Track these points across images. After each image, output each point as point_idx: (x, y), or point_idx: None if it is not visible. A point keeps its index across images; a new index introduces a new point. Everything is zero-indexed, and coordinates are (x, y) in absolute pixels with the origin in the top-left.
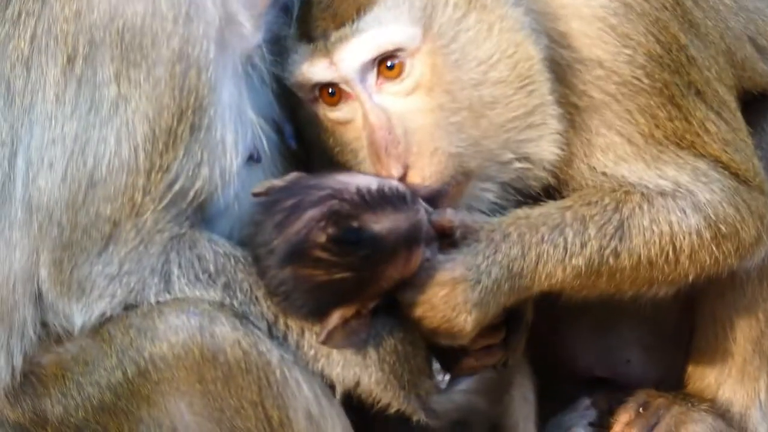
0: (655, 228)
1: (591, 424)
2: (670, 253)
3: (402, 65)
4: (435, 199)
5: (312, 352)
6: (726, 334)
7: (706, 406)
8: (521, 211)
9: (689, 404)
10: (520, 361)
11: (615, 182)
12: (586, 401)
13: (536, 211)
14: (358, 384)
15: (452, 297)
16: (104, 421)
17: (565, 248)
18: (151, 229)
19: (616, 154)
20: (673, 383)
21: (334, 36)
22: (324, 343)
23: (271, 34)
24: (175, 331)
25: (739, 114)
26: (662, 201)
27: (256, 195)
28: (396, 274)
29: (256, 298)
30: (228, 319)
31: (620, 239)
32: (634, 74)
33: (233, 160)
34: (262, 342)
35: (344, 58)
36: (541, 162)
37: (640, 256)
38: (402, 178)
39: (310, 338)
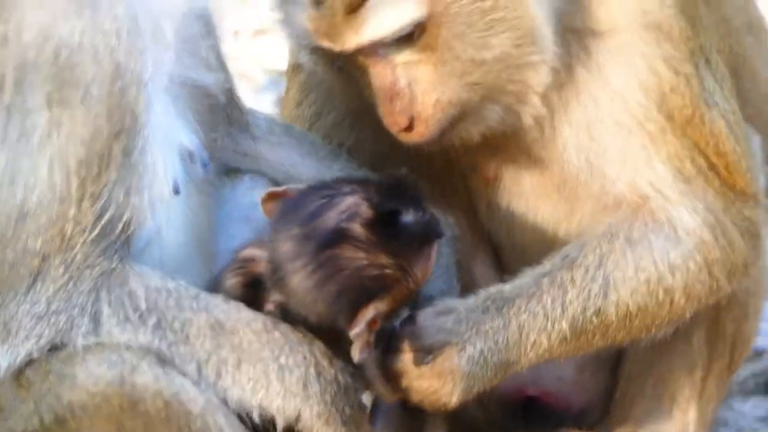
0: (641, 275)
1: None
2: (660, 295)
3: (409, 34)
4: (436, 141)
5: (250, 385)
6: (659, 360)
7: None
8: (493, 288)
9: None
10: None
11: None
12: None
13: (509, 285)
14: (298, 417)
15: (437, 366)
16: None
17: (546, 315)
18: (81, 264)
19: (608, 130)
20: (605, 406)
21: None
22: (356, 337)
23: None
24: (95, 379)
25: (734, 95)
26: (644, 240)
27: (271, 197)
28: (420, 272)
29: (187, 337)
30: (151, 367)
31: (605, 295)
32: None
33: (163, 188)
34: (184, 391)
35: (348, 43)
36: (536, 87)
37: (628, 307)
38: (408, 128)
39: (248, 370)
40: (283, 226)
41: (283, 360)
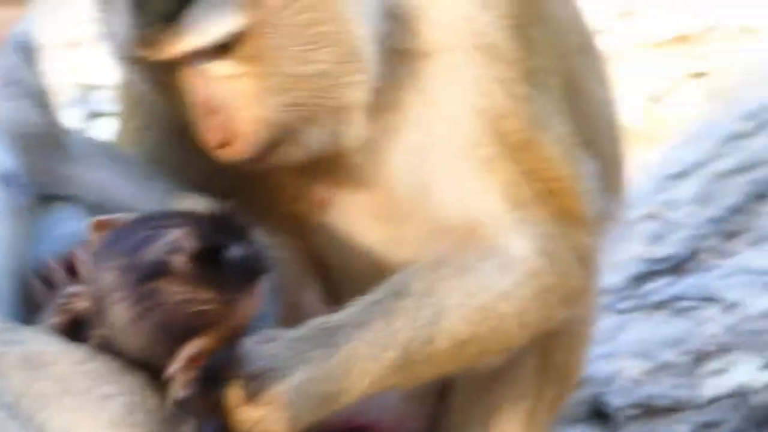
0: (472, 302)
1: None
2: (492, 322)
3: (225, 44)
4: (255, 160)
5: (70, 416)
6: (488, 390)
7: None
8: (321, 318)
9: None
10: None
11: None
12: None
13: (337, 315)
14: None
15: (258, 394)
16: None
17: (375, 344)
18: None
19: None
20: None
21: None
22: (172, 372)
23: None
24: None
25: (567, 119)
26: (474, 267)
27: (99, 226)
28: (247, 308)
29: (1, 372)
30: None
31: (435, 323)
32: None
33: None
34: (3, 425)
35: (166, 51)
36: (357, 104)
37: (459, 334)
38: (225, 144)
39: (68, 401)
40: (106, 256)
41: (105, 389)
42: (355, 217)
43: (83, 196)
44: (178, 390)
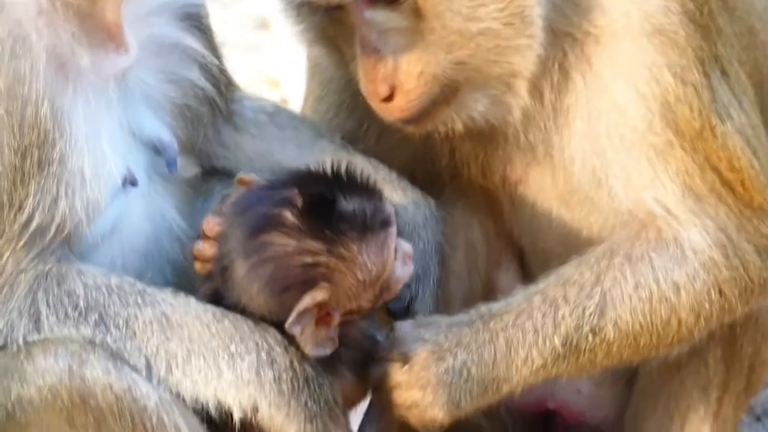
0: (641, 293)
1: None
2: (664, 314)
3: None
4: (417, 119)
5: (202, 376)
6: (671, 378)
7: None
8: (483, 306)
9: None
10: None
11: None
12: None
13: (499, 303)
14: (256, 409)
15: (414, 375)
16: None
17: (536, 331)
18: (14, 271)
19: (611, 143)
20: (619, 422)
21: None
22: (291, 327)
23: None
24: (42, 374)
25: (757, 108)
26: (645, 258)
27: (239, 182)
28: (372, 262)
29: (134, 333)
30: (99, 361)
31: (601, 313)
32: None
33: (98, 189)
34: (136, 386)
35: None
36: (522, 72)
37: (629, 325)
38: (388, 98)
39: (198, 362)
40: (230, 215)
41: (233, 348)
42: (543, 199)
43: (246, 165)
44: (309, 347)
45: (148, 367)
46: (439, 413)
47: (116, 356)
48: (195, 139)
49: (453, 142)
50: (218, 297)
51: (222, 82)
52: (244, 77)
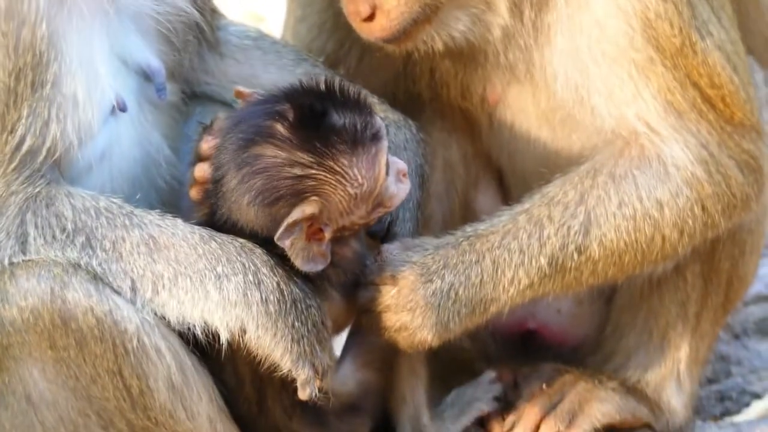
0: (624, 210)
1: (496, 399)
2: (648, 230)
3: None
4: (397, 38)
5: (188, 297)
6: (650, 293)
7: (614, 384)
8: (468, 227)
9: (596, 381)
10: None
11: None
12: (491, 375)
13: (484, 224)
14: (244, 331)
15: (402, 298)
16: None
17: (521, 251)
18: (4, 192)
19: (593, 59)
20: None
21: None
22: (281, 239)
23: None
24: (24, 295)
25: (735, 24)
26: (628, 176)
27: (237, 95)
28: (361, 177)
29: (120, 255)
30: (81, 284)
31: (586, 232)
32: None
33: (90, 113)
34: (117, 309)
35: None
36: None
37: (613, 243)
38: (369, 18)
39: (185, 283)
40: (224, 131)
41: (220, 269)
42: (522, 118)
43: (229, 90)
44: (300, 260)
45: (134, 289)
46: (428, 335)
47: (99, 279)
48: (180, 65)
49: (433, 62)
50: (211, 223)
51: (207, 9)
52: (229, 12)
